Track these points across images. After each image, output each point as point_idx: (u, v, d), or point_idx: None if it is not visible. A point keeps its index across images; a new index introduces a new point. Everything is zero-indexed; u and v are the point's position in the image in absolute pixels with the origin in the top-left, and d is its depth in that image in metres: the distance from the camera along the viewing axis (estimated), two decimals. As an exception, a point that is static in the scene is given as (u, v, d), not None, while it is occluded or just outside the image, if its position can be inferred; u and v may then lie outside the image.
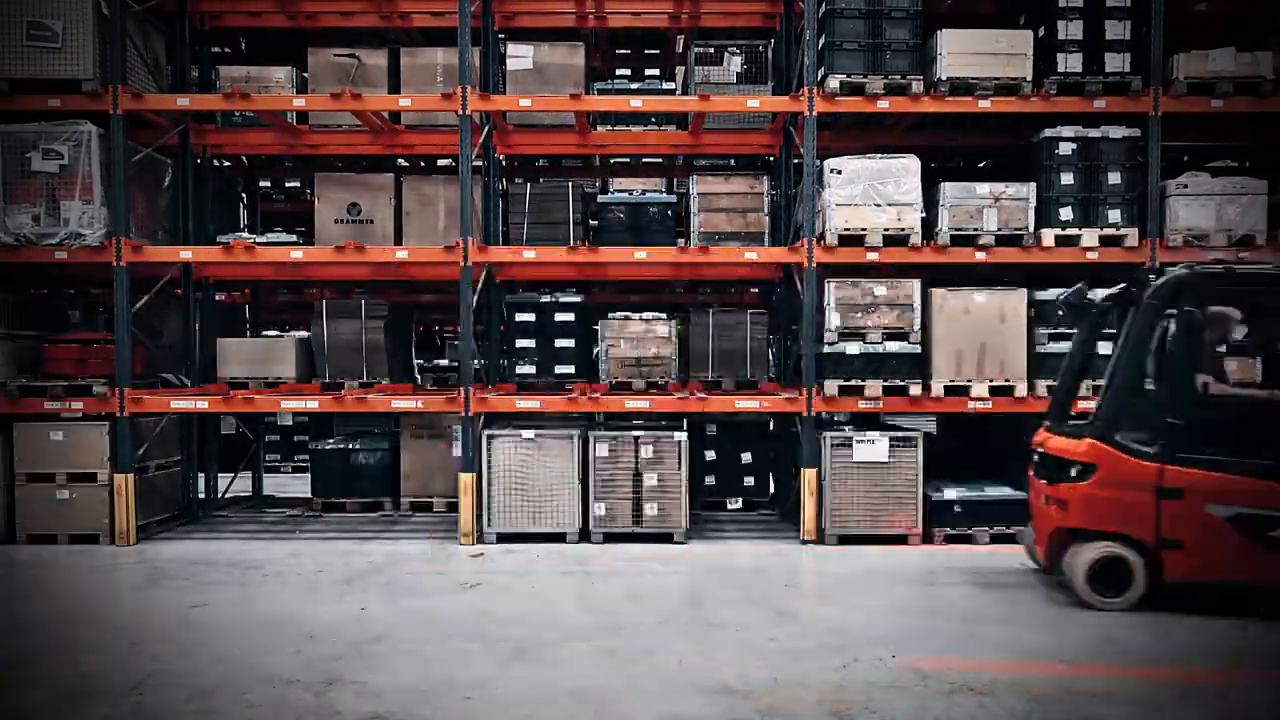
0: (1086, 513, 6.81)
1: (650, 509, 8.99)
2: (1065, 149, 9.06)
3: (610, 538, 9.02)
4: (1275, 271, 6.93)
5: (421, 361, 11.93)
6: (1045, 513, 7.21)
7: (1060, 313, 8.54)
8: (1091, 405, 7.51)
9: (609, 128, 10.48)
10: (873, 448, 8.89)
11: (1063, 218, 9.04)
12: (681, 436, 9.02)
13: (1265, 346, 7.23)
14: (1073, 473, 6.89)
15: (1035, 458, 7.54)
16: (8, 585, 7.81)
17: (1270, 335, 7.24)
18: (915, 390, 8.96)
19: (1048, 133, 9.10)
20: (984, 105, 8.97)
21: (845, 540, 8.94)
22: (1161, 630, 6.34)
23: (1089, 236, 9.00)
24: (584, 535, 9.07)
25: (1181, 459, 6.61)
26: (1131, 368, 6.92)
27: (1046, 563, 7.30)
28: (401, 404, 9.36)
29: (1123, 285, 7.42)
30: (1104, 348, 7.78)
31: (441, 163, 12.33)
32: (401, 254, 9.32)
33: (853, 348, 8.96)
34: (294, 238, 10.12)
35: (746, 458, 10.68)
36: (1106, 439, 6.79)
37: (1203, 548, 6.57)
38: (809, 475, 9.03)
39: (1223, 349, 7.24)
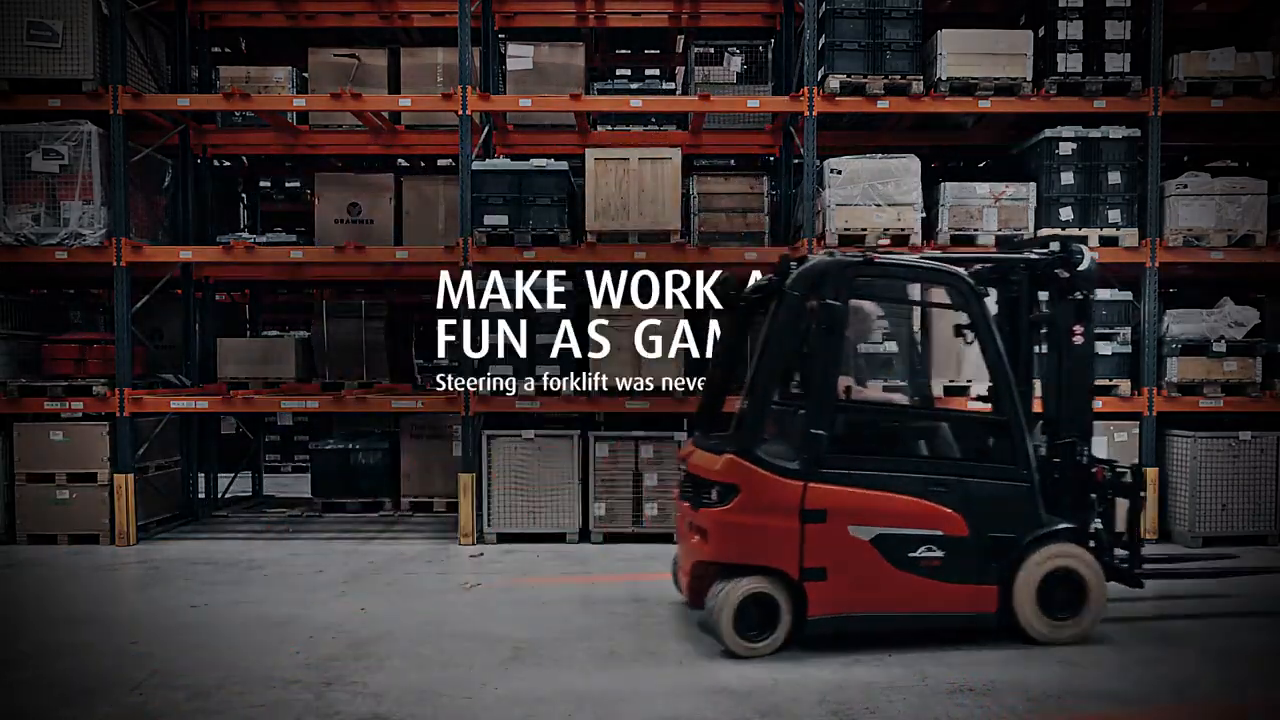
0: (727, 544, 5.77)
1: (650, 509, 8.99)
2: (1065, 149, 9.05)
3: (610, 538, 9.02)
4: (915, 262, 6.39)
5: (421, 361, 11.92)
6: (690, 541, 6.14)
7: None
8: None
9: (609, 128, 10.47)
10: (872, 448, 8.87)
11: (1063, 218, 9.02)
12: (682, 437, 9.01)
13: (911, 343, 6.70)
14: (713, 496, 5.86)
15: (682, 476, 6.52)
16: (8, 585, 7.81)
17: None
18: (915, 390, 8.95)
19: (1048, 133, 9.09)
20: (984, 105, 8.97)
21: (845, 540, 8.93)
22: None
23: (1089, 237, 8.99)
24: (584, 535, 9.07)
25: (825, 475, 5.71)
26: (772, 369, 6.04)
27: (689, 597, 6.33)
28: (401, 404, 9.36)
29: (769, 276, 6.44)
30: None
31: (441, 163, 12.32)
32: (401, 254, 9.32)
33: (852, 348, 8.97)
34: (294, 238, 10.12)
35: (746, 458, 10.65)
36: (748, 455, 5.76)
37: (848, 577, 5.70)
38: (809, 475, 9.01)
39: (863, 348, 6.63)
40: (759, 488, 5.70)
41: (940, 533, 5.78)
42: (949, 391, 8.92)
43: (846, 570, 5.70)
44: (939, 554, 5.78)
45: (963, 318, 6.27)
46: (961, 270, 6.19)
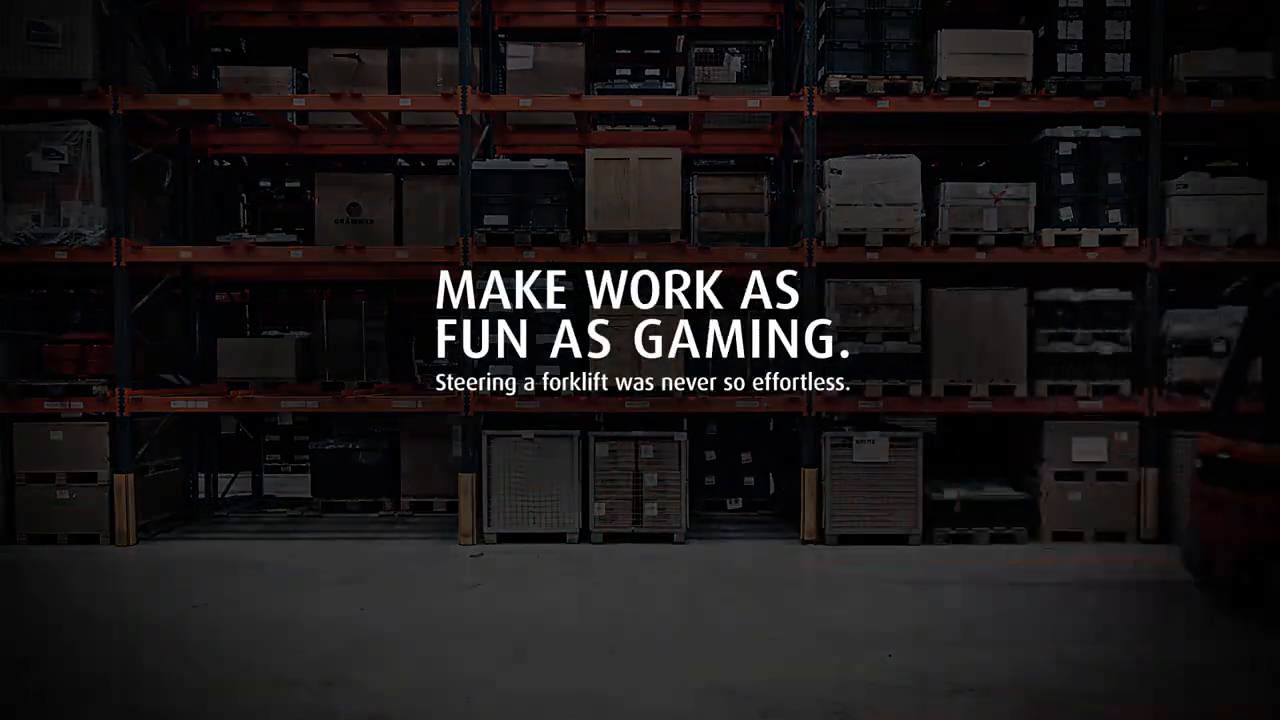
0: None
1: (650, 509, 8.98)
2: (1065, 149, 9.05)
3: (610, 538, 9.01)
4: None
5: (421, 361, 11.91)
6: (1239, 525, 6.66)
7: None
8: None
9: (609, 127, 10.47)
10: (873, 448, 8.89)
11: (1063, 218, 9.02)
12: (682, 437, 9.02)
13: None
14: None
15: (1201, 464, 7.09)
16: (8, 585, 7.81)
17: None
18: (915, 390, 8.96)
19: (1048, 133, 9.09)
20: (984, 105, 8.96)
21: (845, 540, 8.93)
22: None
23: (1089, 236, 8.99)
24: (584, 535, 9.06)
25: None
26: None
27: (1232, 574, 6.77)
28: (401, 404, 9.36)
29: None
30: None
31: (441, 163, 12.32)
32: (401, 254, 9.32)
33: (852, 348, 8.97)
34: (294, 238, 10.11)
35: (746, 458, 10.66)
36: None
37: None
38: (809, 475, 9.02)
39: None
40: None
41: None
42: (950, 391, 8.95)
43: None
44: None
45: None
46: None
